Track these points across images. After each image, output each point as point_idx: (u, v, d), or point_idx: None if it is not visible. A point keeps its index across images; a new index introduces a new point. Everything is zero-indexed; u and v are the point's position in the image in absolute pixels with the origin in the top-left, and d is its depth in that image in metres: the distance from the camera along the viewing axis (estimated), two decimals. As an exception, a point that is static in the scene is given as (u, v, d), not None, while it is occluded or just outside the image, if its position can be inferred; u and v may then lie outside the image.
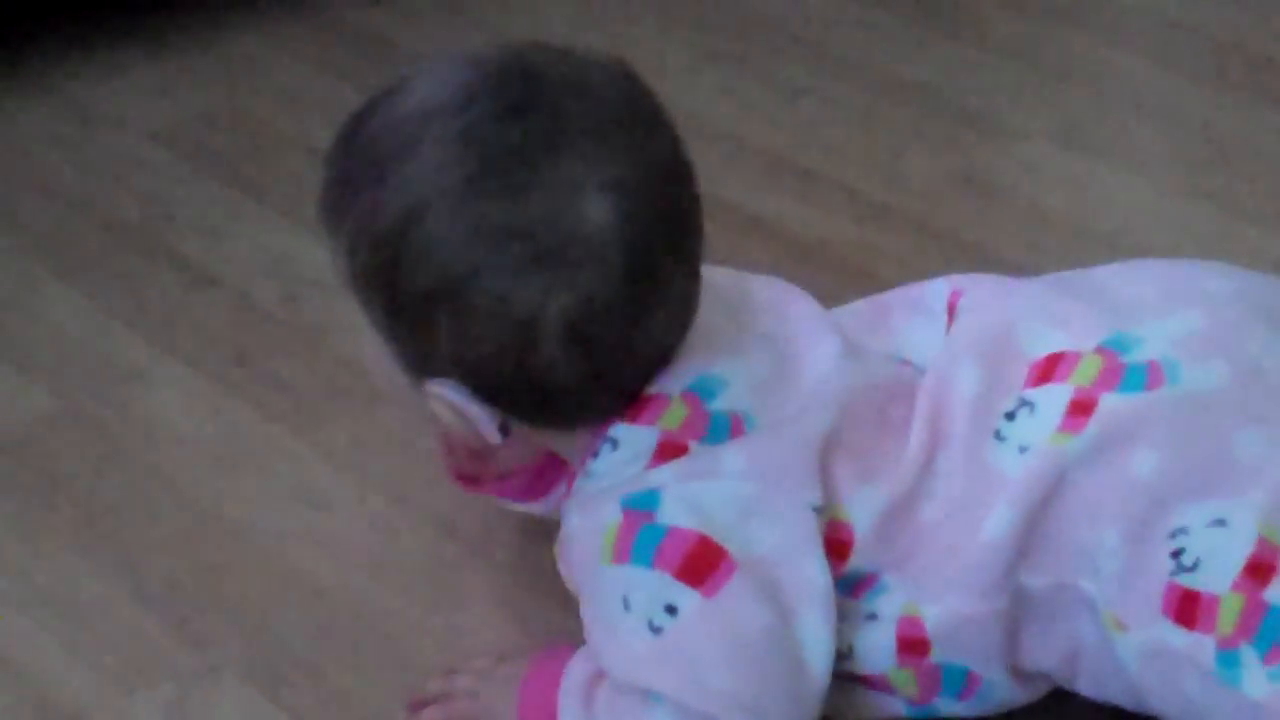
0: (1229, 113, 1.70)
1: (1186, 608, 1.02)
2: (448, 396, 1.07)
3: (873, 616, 1.07)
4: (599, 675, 1.07)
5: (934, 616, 1.06)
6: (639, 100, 1.07)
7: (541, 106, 1.04)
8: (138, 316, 1.47)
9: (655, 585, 1.04)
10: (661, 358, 1.08)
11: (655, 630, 1.03)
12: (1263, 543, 1.01)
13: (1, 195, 1.63)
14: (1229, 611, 1.01)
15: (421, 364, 1.07)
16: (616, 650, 1.05)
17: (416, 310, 1.05)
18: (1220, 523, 1.02)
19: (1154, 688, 1.05)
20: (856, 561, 1.06)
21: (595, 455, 1.08)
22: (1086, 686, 1.09)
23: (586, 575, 1.08)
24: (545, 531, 1.27)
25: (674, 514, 1.05)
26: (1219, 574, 1.02)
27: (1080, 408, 1.05)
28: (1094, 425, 1.05)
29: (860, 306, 1.18)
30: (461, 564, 1.25)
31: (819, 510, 1.05)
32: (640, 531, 1.05)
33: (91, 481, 1.32)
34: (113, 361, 1.43)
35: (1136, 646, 1.04)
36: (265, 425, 1.36)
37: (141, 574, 1.24)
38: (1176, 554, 1.02)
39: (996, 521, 1.05)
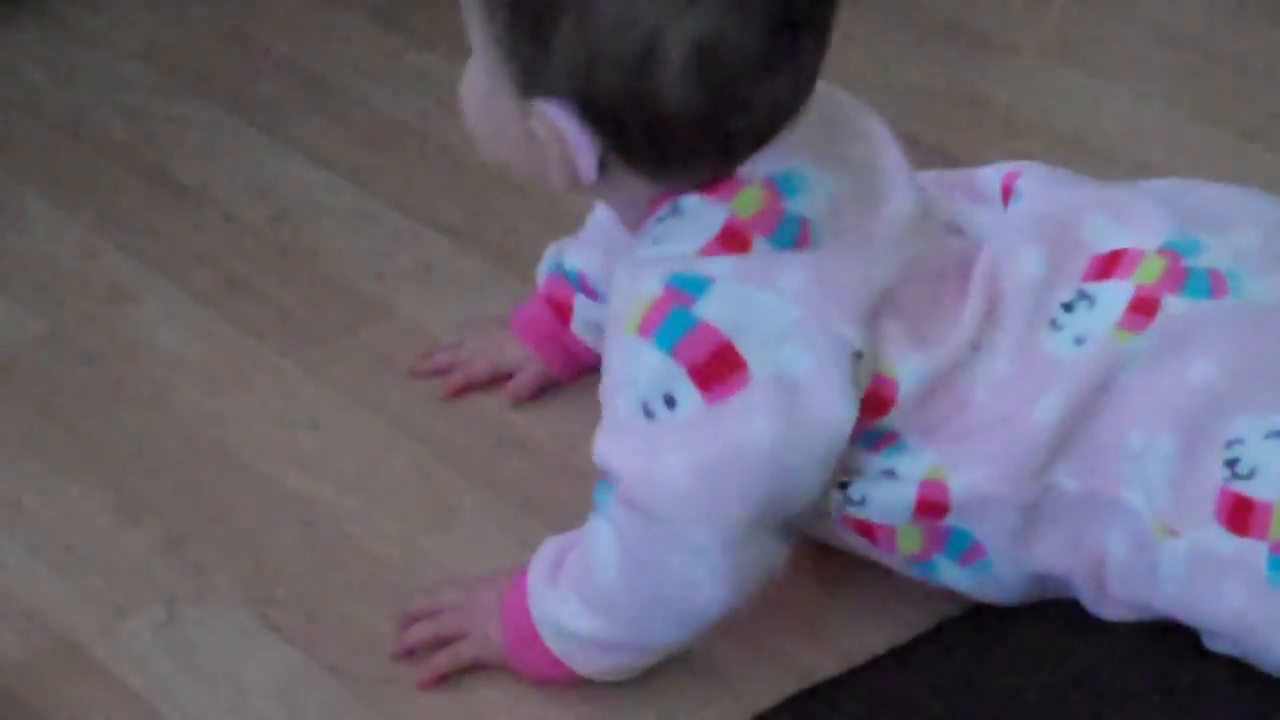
0: (1225, 26, 1.70)
1: (1239, 514, 1.03)
2: (553, 115, 1.03)
3: (890, 473, 1.07)
4: (566, 549, 1.08)
5: (960, 486, 1.06)
6: None
7: None
8: (125, 237, 1.46)
9: (664, 372, 1.03)
10: (771, 126, 1.05)
11: (648, 414, 1.04)
12: None
13: (-12, 116, 1.62)
14: None
15: (533, 80, 1.03)
16: (606, 417, 1.06)
17: (541, 14, 1.01)
18: (1277, 435, 1.03)
19: (1198, 598, 1.05)
20: (891, 419, 1.06)
21: (659, 219, 1.07)
22: (1110, 596, 1.09)
23: (610, 335, 1.07)
24: (538, 452, 1.27)
25: (712, 310, 1.03)
26: (1275, 483, 1.03)
27: (1142, 306, 1.06)
28: (1157, 326, 1.05)
29: (928, 177, 1.17)
30: (453, 484, 1.25)
31: (859, 355, 1.04)
32: (672, 313, 1.04)
33: (80, 403, 1.32)
34: (100, 282, 1.42)
35: (1184, 553, 1.04)
36: (254, 345, 1.36)
37: (130, 495, 1.24)
38: (1232, 463, 1.03)
39: (1045, 406, 1.05)
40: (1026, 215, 1.11)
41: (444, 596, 1.13)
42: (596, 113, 1.02)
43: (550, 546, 1.10)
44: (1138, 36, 1.69)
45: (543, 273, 1.30)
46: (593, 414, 1.08)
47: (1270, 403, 1.04)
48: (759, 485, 1.03)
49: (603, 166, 1.05)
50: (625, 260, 1.08)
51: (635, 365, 1.04)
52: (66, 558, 1.20)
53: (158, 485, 1.25)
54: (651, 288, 1.05)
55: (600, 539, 1.06)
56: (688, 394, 1.03)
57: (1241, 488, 1.03)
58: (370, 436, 1.29)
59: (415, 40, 1.69)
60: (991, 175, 1.16)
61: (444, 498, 1.24)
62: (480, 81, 1.07)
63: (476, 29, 1.05)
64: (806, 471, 1.05)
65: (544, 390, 1.31)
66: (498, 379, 1.31)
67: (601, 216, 1.26)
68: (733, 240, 1.05)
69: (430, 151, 1.55)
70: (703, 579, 1.04)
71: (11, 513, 1.23)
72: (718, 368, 1.03)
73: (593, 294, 1.27)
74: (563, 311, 1.29)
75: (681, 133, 1.02)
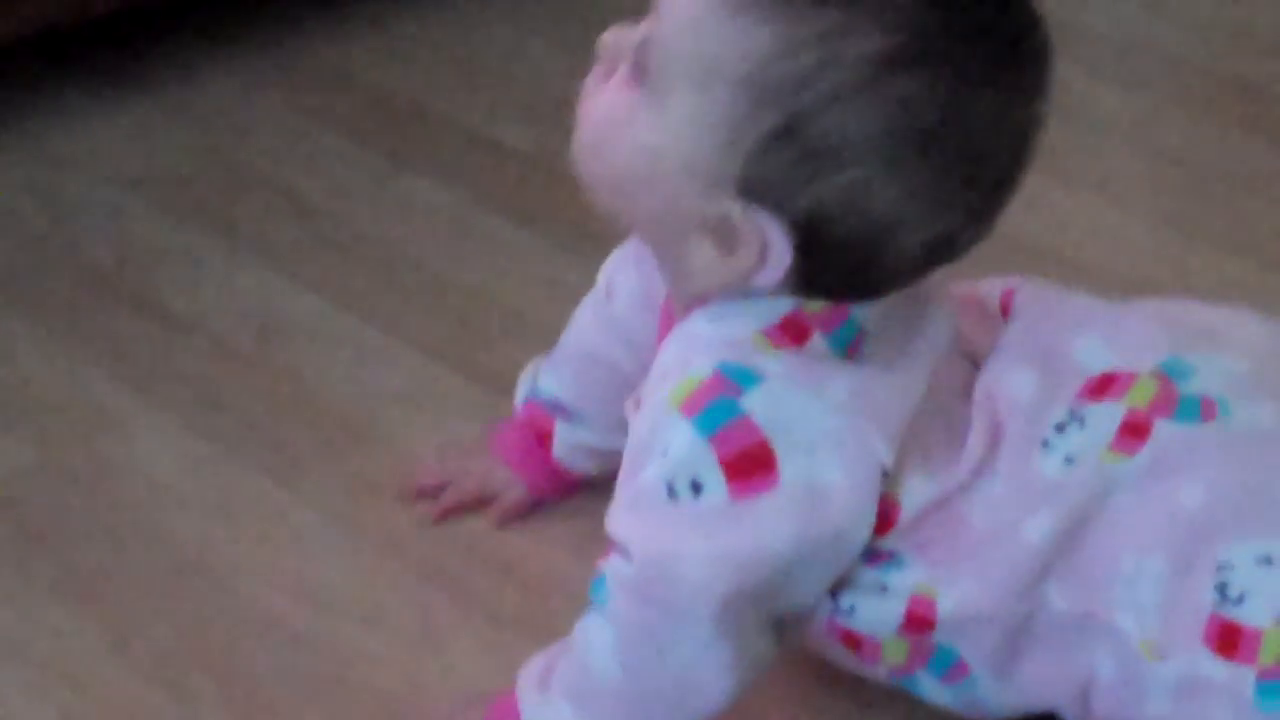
0: (1199, 138, 1.71)
1: (1228, 639, 1.04)
2: (767, 227, 1.01)
3: (883, 588, 1.07)
4: (555, 658, 1.09)
5: (948, 602, 1.07)
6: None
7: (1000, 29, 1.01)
8: (114, 364, 1.47)
9: (697, 457, 1.03)
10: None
11: (671, 493, 1.03)
12: None
13: (-25, 244, 1.63)
14: (1272, 644, 1.03)
15: (764, 194, 1.01)
16: (626, 487, 1.06)
17: (813, 153, 0.99)
18: (1267, 561, 1.04)
19: None
20: (889, 538, 1.07)
21: (727, 300, 1.07)
22: (1093, 717, 1.09)
23: (647, 403, 1.07)
24: (528, 575, 1.27)
25: (758, 406, 1.03)
26: (1264, 609, 1.03)
27: (1134, 429, 1.06)
28: (1148, 449, 1.06)
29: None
30: (442, 608, 1.25)
31: (885, 474, 1.05)
32: (718, 400, 1.03)
33: (67, 530, 1.32)
34: (90, 410, 1.43)
35: (1172, 676, 1.05)
36: (244, 471, 1.36)
37: (122, 625, 1.24)
38: (1222, 587, 1.04)
39: (1036, 526, 1.05)
40: (1021, 337, 1.12)
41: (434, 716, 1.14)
42: (810, 248, 1.02)
43: (538, 658, 1.10)
44: (1114, 147, 1.71)
45: (520, 398, 1.31)
46: (582, 535, 1.09)
47: (1259, 528, 1.04)
48: (771, 587, 1.04)
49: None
50: (679, 333, 1.08)
51: (669, 441, 1.04)
52: (57, 688, 1.20)
53: (144, 611, 1.25)
54: (702, 370, 1.04)
55: (597, 637, 1.06)
56: (716, 485, 1.03)
57: (1231, 613, 1.03)
58: (358, 560, 1.29)
59: (399, 163, 1.70)
60: (991, 292, 1.17)
61: (433, 621, 1.24)
62: (658, 141, 1.03)
63: (695, 102, 1.01)
64: (815, 578, 1.06)
65: (530, 511, 1.32)
66: (485, 500, 1.32)
67: (577, 332, 1.27)
68: (793, 330, 1.05)
69: (414, 273, 1.56)
70: (706, 672, 1.05)
71: (0, 643, 1.23)
72: (750, 465, 1.03)
73: (571, 417, 1.27)
74: (543, 436, 1.29)
75: (870, 284, 1.05)
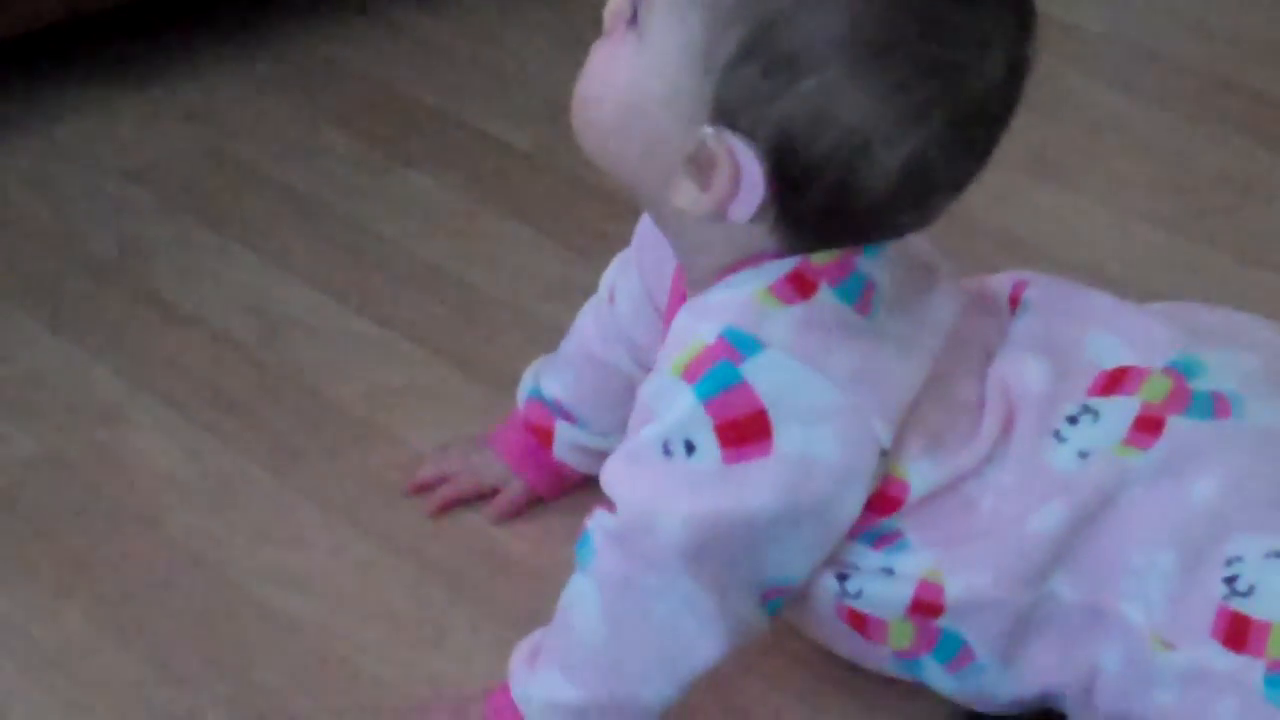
0: (1200, 141, 1.72)
1: (1237, 631, 1.04)
2: (739, 151, 1.01)
3: (889, 571, 1.08)
4: (540, 641, 1.10)
5: (956, 588, 1.08)
6: None
7: None
8: (117, 357, 1.48)
9: (693, 418, 1.04)
10: (926, 224, 1.07)
11: (666, 452, 1.05)
12: None
13: (-22, 236, 1.64)
14: None
15: (736, 115, 1.01)
16: (625, 443, 1.08)
17: (780, 63, 0.99)
18: (1277, 555, 1.05)
19: (1191, 713, 1.06)
20: (896, 519, 1.08)
21: (735, 271, 1.07)
22: (1093, 706, 1.10)
23: (656, 369, 1.08)
24: (527, 570, 1.28)
25: (758, 374, 1.04)
26: (1273, 602, 1.04)
27: (1147, 424, 1.07)
28: (1161, 445, 1.07)
29: None
30: (443, 603, 1.26)
31: (884, 453, 1.06)
32: (719, 365, 1.04)
33: (71, 524, 1.33)
34: (92, 403, 1.43)
35: (1180, 667, 1.05)
36: (244, 465, 1.37)
37: (122, 617, 1.25)
38: (1231, 580, 1.05)
39: (1046, 516, 1.06)
40: (1034, 329, 1.13)
41: (435, 716, 1.14)
42: (786, 171, 1.01)
43: (528, 639, 1.12)
44: (1115, 153, 1.71)
45: (522, 397, 1.32)
46: (580, 530, 1.09)
47: (1269, 523, 1.05)
48: (749, 552, 1.05)
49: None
50: (690, 305, 1.09)
51: (668, 403, 1.05)
52: (59, 679, 1.20)
53: (148, 606, 1.26)
54: (705, 334, 1.05)
55: (581, 595, 1.07)
56: (709, 446, 1.04)
57: (1240, 605, 1.04)
58: (360, 555, 1.30)
59: (401, 159, 1.71)
60: (1000, 286, 1.18)
61: (434, 616, 1.25)
62: (640, 77, 1.04)
63: (673, 31, 1.02)
64: (799, 548, 1.07)
65: (528, 507, 1.32)
66: (483, 495, 1.33)
67: (580, 336, 1.28)
68: (800, 283, 1.06)
69: (416, 269, 1.57)
70: (690, 627, 1.06)
71: (2, 633, 1.24)
72: (745, 431, 1.04)
73: (572, 418, 1.28)
74: (543, 436, 1.30)
75: (856, 218, 1.04)
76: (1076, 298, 1.16)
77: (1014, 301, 1.16)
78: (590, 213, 1.60)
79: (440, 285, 1.55)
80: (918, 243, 1.12)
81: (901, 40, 0.99)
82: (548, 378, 1.29)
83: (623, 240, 1.26)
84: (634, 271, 1.23)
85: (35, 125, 1.76)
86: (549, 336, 1.34)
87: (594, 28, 1.08)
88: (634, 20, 1.05)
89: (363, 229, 1.62)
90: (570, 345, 1.29)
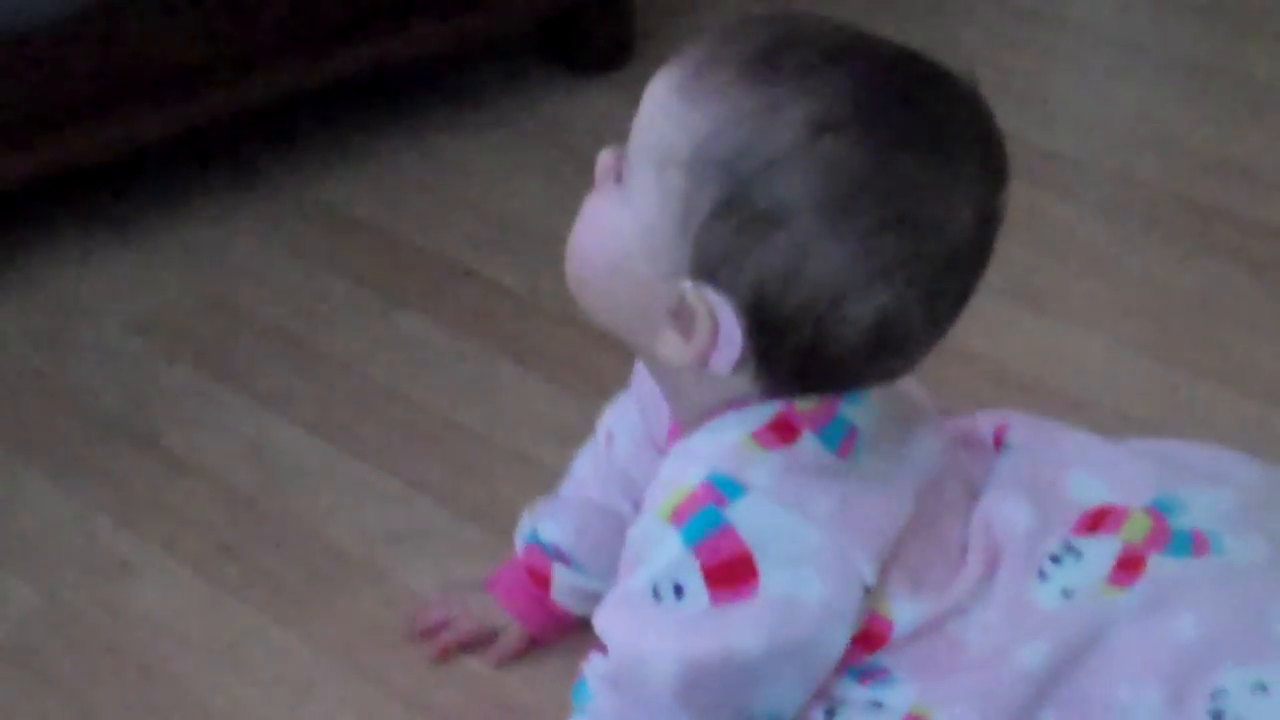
0: (1175, 264, 1.73)
1: None
2: (717, 306, 1.04)
3: (877, 705, 1.10)
4: None
5: None
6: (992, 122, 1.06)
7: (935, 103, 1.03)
8: (120, 508, 1.49)
9: (681, 562, 1.07)
10: (907, 372, 1.09)
11: (655, 595, 1.07)
12: None
13: (-20, 388, 1.65)
14: None
15: (713, 273, 1.04)
16: (616, 588, 1.10)
17: (754, 220, 1.02)
18: (1261, 687, 1.06)
19: None
20: (881, 656, 1.10)
21: (721, 415, 1.09)
22: None
23: (642, 514, 1.10)
24: (529, 714, 1.29)
25: (742, 518, 1.06)
26: None
27: (1129, 563, 1.10)
28: (1143, 583, 1.09)
29: None
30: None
31: (867, 591, 1.08)
32: (705, 509, 1.07)
33: (77, 675, 1.33)
34: (97, 555, 1.44)
35: None
36: (250, 615, 1.38)
37: (131, 770, 1.26)
38: (1218, 715, 1.06)
39: (1032, 653, 1.08)
40: (1016, 468, 1.15)
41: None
42: (763, 324, 1.04)
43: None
44: (1093, 278, 1.72)
45: (520, 542, 1.33)
46: (578, 674, 1.10)
47: (1252, 656, 1.07)
48: (739, 690, 1.07)
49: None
50: (678, 449, 1.11)
51: (656, 548, 1.08)
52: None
53: (156, 756, 1.27)
54: (691, 479, 1.08)
55: None
56: (697, 589, 1.07)
57: None
58: (364, 703, 1.30)
59: (397, 303, 1.72)
60: (984, 426, 1.20)
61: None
62: (625, 232, 1.07)
63: (654, 189, 1.05)
64: (787, 685, 1.08)
65: (528, 651, 1.34)
66: (484, 639, 1.34)
67: (577, 481, 1.30)
68: (783, 430, 1.08)
69: (413, 413, 1.58)
70: None
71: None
72: (731, 574, 1.06)
73: (570, 563, 1.30)
74: (541, 580, 1.32)
75: (834, 367, 1.06)
76: (1058, 437, 1.18)
77: (998, 441, 1.18)
78: (583, 352, 1.61)
79: (438, 428, 1.56)
80: (905, 382, 1.14)
81: (871, 197, 1.01)
82: (545, 522, 1.31)
83: (614, 378, 1.28)
84: (634, 409, 1.26)
85: (35, 275, 1.77)
86: (547, 479, 1.36)
87: (585, 170, 1.11)
88: (618, 176, 1.08)
89: (361, 373, 1.63)
90: (568, 490, 1.31)
